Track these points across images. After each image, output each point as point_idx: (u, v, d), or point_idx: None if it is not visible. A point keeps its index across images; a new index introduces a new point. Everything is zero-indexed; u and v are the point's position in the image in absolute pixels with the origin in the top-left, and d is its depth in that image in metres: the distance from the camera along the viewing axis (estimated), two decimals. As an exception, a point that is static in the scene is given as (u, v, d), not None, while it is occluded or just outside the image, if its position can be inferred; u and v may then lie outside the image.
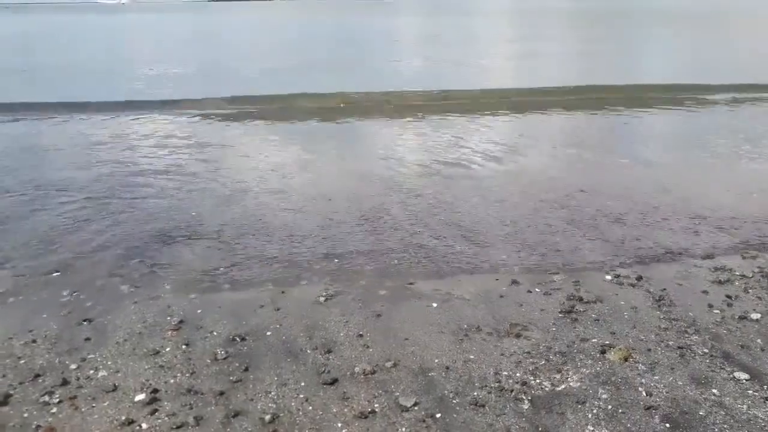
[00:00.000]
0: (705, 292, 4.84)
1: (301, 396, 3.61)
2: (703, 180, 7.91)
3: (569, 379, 3.74)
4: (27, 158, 9.17)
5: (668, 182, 7.70)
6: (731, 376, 3.74)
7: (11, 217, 6.67)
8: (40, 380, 3.80)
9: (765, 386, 3.63)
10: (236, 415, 3.46)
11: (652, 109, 12.83)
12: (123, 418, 3.44)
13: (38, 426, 3.40)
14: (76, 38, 37.71)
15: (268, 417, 3.42)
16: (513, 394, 3.59)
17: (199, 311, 4.62)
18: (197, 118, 12.17)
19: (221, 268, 5.35)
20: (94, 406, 3.54)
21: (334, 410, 3.48)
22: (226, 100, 14.00)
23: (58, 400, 3.60)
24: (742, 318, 4.43)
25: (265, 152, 9.50)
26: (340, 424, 3.37)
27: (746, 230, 6.11)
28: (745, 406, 3.46)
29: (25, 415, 3.49)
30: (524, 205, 6.92)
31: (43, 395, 3.64)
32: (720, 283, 4.98)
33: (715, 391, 3.60)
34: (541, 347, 4.09)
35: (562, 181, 7.85)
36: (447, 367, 3.87)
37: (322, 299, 4.78)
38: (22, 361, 4.00)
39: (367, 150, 9.67)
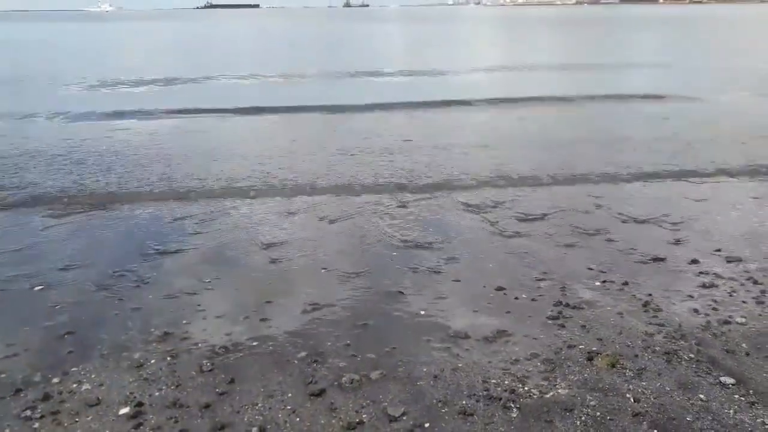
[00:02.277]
0: (690, 296, 4.87)
1: (288, 407, 3.58)
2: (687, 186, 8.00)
3: (557, 386, 3.73)
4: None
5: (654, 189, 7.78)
6: (717, 380, 3.76)
7: (-8, 229, 6.60)
8: (22, 394, 3.73)
9: (751, 390, 3.65)
10: (222, 427, 3.41)
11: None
12: (107, 432, 3.39)
13: (20, 442, 3.35)
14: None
15: (255, 429, 3.38)
16: (501, 402, 3.58)
17: (184, 321, 4.57)
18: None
19: (207, 279, 5.31)
20: (77, 421, 3.48)
21: (322, 421, 3.45)
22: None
23: (40, 414, 3.54)
24: (727, 322, 4.46)
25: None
26: (327, 436, 3.35)
27: (731, 236, 6.16)
28: (731, 411, 3.47)
29: (7, 430, 3.42)
30: (507, 215, 6.94)
31: (25, 410, 3.57)
32: (705, 287, 5.02)
33: (701, 396, 3.62)
34: (528, 354, 4.08)
35: (545, 188, 7.89)
36: (435, 376, 3.85)
37: (308, 308, 4.75)
38: (3, 375, 3.92)
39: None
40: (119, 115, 13.36)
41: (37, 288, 5.16)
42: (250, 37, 48.79)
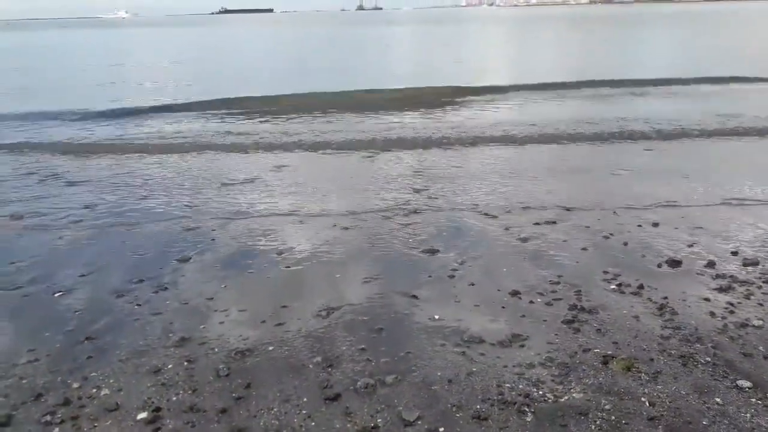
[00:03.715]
0: (707, 299, 4.83)
1: (304, 412, 3.60)
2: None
3: (572, 390, 3.73)
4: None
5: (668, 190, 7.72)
6: (734, 384, 3.73)
7: (14, 239, 6.70)
8: (42, 400, 3.80)
9: (768, 394, 3.62)
10: (239, 432, 3.46)
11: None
12: (126, 437, 3.44)
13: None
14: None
15: (270, 434, 3.42)
16: (516, 406, 3.58)
17: (201, 327, 4.62)
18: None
19: (224, 285, 5.35)
20: (96, 426, 3.54)
21: (337, 426, 3.47)
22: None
23: (60, 419, 3.60)
24: (744, 325, 4.42)
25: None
26: (343, 440, 3.37)
27: (744, 237, 6.11)
28: (748, 415, 3.45)
29: (28, 435, 3.49)
30: (520, 218, 6.93)
31: (45, 415, 3.64)
32: (721, 290, 4.98)
33: (718, 399, 3.59)
34: (543, 358, 4.08)
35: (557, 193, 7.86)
36: (449, 380, 3.86)
37: (323, 313, 4.78)
38: (24, 381, 3.99)
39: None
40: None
41: (57, 294, 5.24)
42: (289, 44, 47.25)
